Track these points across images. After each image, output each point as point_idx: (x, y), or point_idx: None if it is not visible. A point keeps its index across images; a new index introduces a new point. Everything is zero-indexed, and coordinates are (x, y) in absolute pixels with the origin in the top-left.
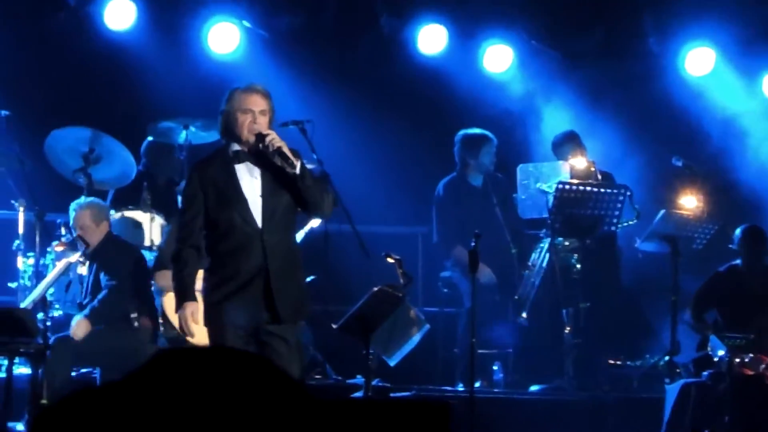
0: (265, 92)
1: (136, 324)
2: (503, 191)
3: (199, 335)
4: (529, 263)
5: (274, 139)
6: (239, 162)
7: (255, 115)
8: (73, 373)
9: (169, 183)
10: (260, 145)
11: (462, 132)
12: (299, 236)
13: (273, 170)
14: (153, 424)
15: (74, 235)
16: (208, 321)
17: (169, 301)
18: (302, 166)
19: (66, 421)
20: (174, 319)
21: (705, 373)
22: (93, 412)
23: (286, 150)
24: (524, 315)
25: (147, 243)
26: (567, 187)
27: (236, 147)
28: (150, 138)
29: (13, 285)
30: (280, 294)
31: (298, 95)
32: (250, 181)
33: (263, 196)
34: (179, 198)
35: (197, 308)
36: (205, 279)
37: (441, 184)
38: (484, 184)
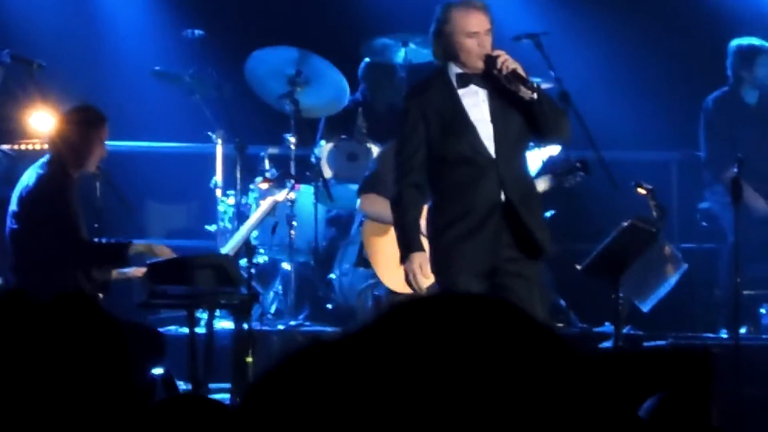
0: (485, 6)
1: None
2: None
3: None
4: None
5: (506, 60)
6: (463, 86)
7: (480, 37)
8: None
9: (390, 109)
10: (492, 69)
11: (734, 42)
12: (537, 166)
13: (503, 93)
14: (396, 386)
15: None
16: (438, 267)
17: (369, 229)
18: (539, 88)
19: (297, 386)
20: (382, 258)
21: None
22: (328, 374)
23: (521, 72)
24: None
25: (361, 173)
26: None
27: (457, 69)
28: (366, 59)
29: (212, 228)
30: (522, 227)
31: (532, 2)
32: (477, 106)
33: (494, 122)
34: None
35: (426, 259)
36: (431, 220)
37: (710, 97)
38: (760, 103)
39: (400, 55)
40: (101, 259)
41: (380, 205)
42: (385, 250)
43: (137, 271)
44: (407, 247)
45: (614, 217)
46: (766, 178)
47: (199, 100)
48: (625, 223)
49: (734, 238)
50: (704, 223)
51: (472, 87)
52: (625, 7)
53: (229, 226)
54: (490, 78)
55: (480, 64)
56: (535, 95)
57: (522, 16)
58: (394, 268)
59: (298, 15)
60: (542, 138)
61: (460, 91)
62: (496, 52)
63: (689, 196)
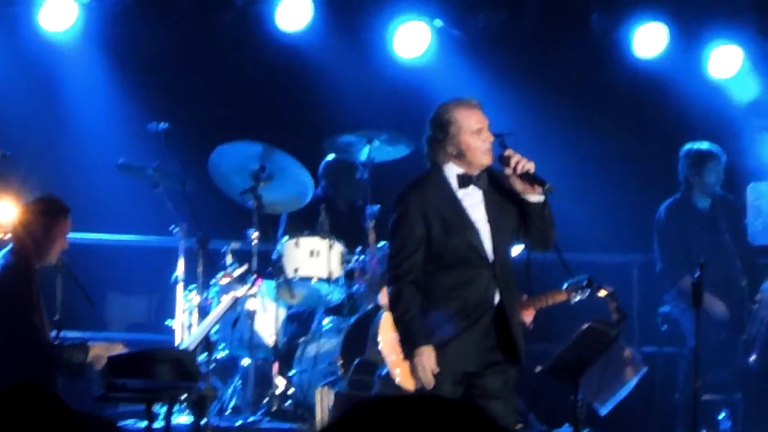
0: (480, 103)
1: None
2: (734, 215)
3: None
4: (757, 297)
5: (521, 160)
6: (463, 186)
7: (484, 133)
8: None
9: (352, 207)
10: (504, 169)
11: (686, 146)
12: None
13: (498, 193)
14: None
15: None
16: None
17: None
18: (549, 190)
19: None
20: (391, 353)
21: None
22: None
23: (533, 171)
24: (754, 357)
25: (325, 274)
26: None
27: (458, 169)
28: (330, 156)
29: (171, 322)
30: (509, 333)
31: (496, 104)
32: (475, 206)
33: (490, 222)
34: (368, 224)
35: (432, 353)
36: (422, 314)
37: (663, 206)
38: (712, 207)
39: (364, 153)
40: (55, 363)
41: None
42: None
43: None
44: (413, 342)
45: (574, 319)
46: (722, 283)
47: (163, 193)
48: (585, 326)
49: (694, 342)
50: (665, 327)
51: (471, 187)
52: (588, 110)
53: (189, 320)
54: (488, 178)
55: (486, 161)
56: (543, 197)
57: (488, 115)
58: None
59: (264, 109)
60: (529, 241)
61: (459, 192)
62: (509, 152)
63: (650, 298)
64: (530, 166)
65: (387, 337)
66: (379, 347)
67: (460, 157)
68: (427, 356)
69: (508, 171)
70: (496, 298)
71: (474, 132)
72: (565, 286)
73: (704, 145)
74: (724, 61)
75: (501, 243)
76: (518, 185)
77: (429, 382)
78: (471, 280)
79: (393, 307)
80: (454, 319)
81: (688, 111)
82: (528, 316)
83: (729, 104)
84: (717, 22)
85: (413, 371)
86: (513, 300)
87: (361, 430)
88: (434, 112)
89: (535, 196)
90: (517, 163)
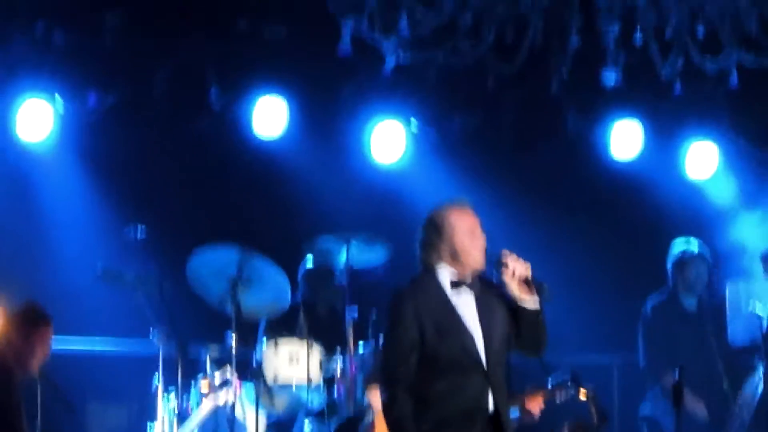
0: (470, 204)
1: None
2: (719, 317)
3: None
4: (738, 400)
5: (517, 267)
6: (455, 287)
7: (478, 235)
8: None
9: (331, 311)
10: (499, 274)
11: (673, 242)
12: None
13: (494, 300)
14: None
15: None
16: None
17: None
18: (545, 295)
19: None
20: None
21: None
22: None
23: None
24: None
25: (304, 379)
26: None
27: (451, 272)
28: (308, 263)
29: (152, 429)
30: None
31: (473, 206)
32: (467, 310)
33: (483, 326)
34: (347, 327)
35: None
36: (414, 420)
37: (649, 304)
38: (699, 308)
39: (342, 256)
40: None
41: None
42: None
43: None
44: None
45: (552, 421)
46: (705, 384)
47: (141, 298)
48: (565, 428)
49: None
50: (646, 430)
51: (463, 290)
52: (565, 211)
53: (169, 428)
54: (480, 281)
55: (479, 262)
56: (538, 305)
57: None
58: None
59: (241, 213)
60: (521, 349)
61: (451, 295)
62: (506, 257)
63: (630, 400)
64: (528, 273)
65: None
66: None
67: (454, 258)
68: None
69: (507, 276)
70: (491, 405)
71: (467, 233)
72: (549, 384)
73: (689, 244)
74: (701, 160)
75: (494, 347)
76: (515, 291)
77: None
78: (464, 386)
79: (387, 412)
80: (448, 423)
81: (667, 211)
82: (536, 407)
83: (707, 204)
84: (692, 120)
85: None
86: (507, 407)
87: None
88: (428, 215)
89: (532, 303)
90: (515, 268)
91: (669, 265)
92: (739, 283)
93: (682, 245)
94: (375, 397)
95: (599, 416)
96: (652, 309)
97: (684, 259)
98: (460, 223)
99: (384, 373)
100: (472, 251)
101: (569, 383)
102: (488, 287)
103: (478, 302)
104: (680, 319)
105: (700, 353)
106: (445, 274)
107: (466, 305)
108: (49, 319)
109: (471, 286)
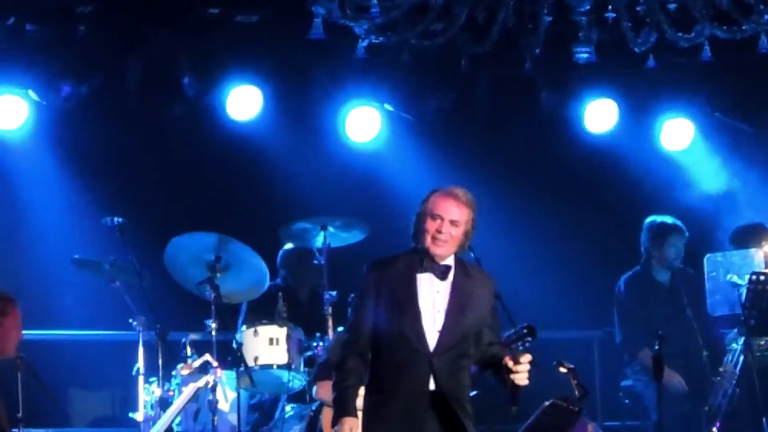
0: (465, 200)
1: None
2: (695, 288)
3: None
4: (721, 369)
5: (519, 378)
6: (423, 271)
7: (444, 224)
8: None
9: (311, 294)
10: (502, 370)
11: (649, 219)
12: None
13: (474, 297)
14: None
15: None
16: None
17: (327, 416)
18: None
19: None
20: None
21: None
22: None
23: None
24: (715, 428)
25: (285, 361)
26: (762, 278)
27: (426, 255)
28: (287, 246)
29: (134, 415)
30: (452, 415)
31: (450, 185)
32: (431, 294)
33: (446, 314)
34: (326, 310)
35: (357, 425)
36: (364, 396)
37: (622, 279)
38: (672, 280)
39: (319, 239)
40: None
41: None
42: None
43: None
44: (341, 411)
45: (536, 396)
46: (683, 356)
47: (120, 287)
48: (547, 403)
49: (657, 416)
50: (627, 401)
51: (432, 276)
52: (541, 188)
53: (152, 413)
54: (465, 271)
55: (428, 245)
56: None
57: None
58: None
59: (217, 199)
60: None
61: (419, 275)
62: (519, 367)
63: (611, 374)
64: (521, 387)
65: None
66: None
67: (416, 236)
68: (348, 428)
69: (505, 374)
70: (432, 387)
71: (432, 216)
72: (504, 336)
73: (668, 219)
74: (676, 133)
75: (449, 335)
76: (506, 381)
77: None
78: (405, 366)
79: (336, 371)
80: (387, 403)
81: (642, 184)
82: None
83: (682, 176)
84: (667, 95)
85: None
86: (454, 388)
87: None
88: None
89: (512, 406)
90: (515, 377)
91: (644, 238)
92: (717, 255)
93: (661, 218)
94: (322, 390)
95: (580, 390)
96: (625, 283)
97: (662, 233)
98: (430, 206)
99: (345, 337)
100: (425, 234)
101: (524, 332)
102: (473, 279)
103: (454, 291)
104: (654, 293)
105: (676, 326)
106: (421, 253)
107: (432, 289)
108: (15, 301)
109: (440, 273)
